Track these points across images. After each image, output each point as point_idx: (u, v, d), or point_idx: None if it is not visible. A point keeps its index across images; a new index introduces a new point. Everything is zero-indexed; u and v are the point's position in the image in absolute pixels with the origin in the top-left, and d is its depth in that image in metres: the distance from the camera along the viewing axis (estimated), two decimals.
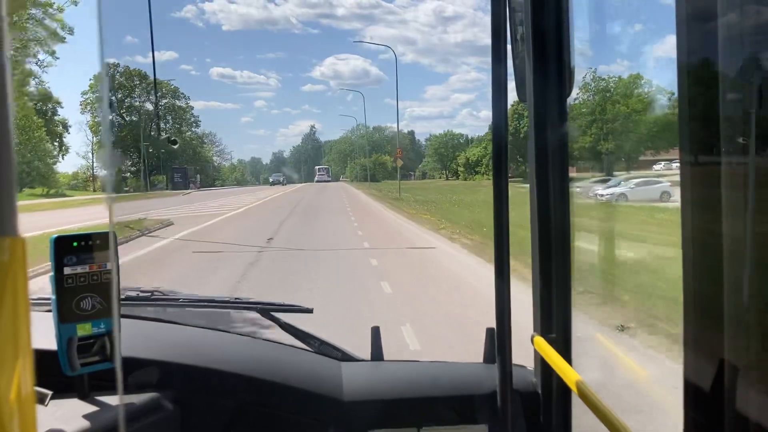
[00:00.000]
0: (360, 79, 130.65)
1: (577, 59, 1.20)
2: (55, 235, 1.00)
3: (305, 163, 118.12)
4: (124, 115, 65.05)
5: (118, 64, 63.17)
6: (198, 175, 44.63)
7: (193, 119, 68.88)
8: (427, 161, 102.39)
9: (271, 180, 71.89)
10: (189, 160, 65.44)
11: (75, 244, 1.01)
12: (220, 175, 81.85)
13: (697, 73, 0.71)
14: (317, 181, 76.71)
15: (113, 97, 62.78)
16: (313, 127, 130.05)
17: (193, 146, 68.71)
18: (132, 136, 63.11)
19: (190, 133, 69.78)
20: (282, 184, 65.27)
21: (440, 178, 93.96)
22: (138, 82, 64.26)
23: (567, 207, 1.23)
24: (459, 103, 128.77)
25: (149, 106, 66.44)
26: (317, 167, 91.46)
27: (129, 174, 63.46)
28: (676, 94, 0.72)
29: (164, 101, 66.68)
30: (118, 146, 61.99)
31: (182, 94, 68.23)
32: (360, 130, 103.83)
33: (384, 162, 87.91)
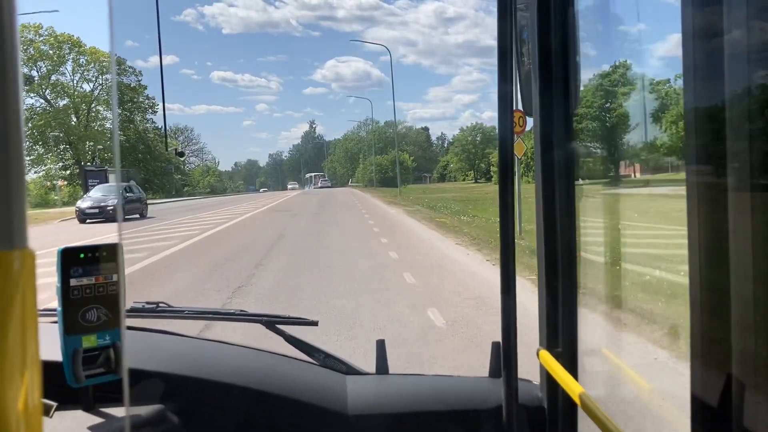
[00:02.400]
0: (362, 81, 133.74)
1: (583, 73, 1.21)
2: (62, 247, 1.02)
3: (305, 165, 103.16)
4: (50, 96, 47.27)
5: (41, 25, 45.54)
6: (131, 181, 26.50)
7: (148, 103, 50.94)
8: (449, 160, 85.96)
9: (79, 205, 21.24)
10: (141, 159, 47.67)
11: (81, 255, 1.02)
12: (189, 180, 63.33)
13: (704, 85, 0.73)
14: (321, 187, 67.49)
15: (33, 72, 45.42)
16: (313, 123, 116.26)
17: (148, 141, 50.70)
18: (60, 126, 45.53)
19: (146, 123, 51.85)
20: (135, 211, 22.44)
21: (462, 180, 78.09)
22: (69, 52, 46.63)
23: (573, 221, 1.25)
24: (461, 104, 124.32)
25: (86, 87, 48.67)
26: (311, 174, 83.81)
27: (60, 180, 46.08)
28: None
29: (104, 76, 48.50)
30: (39, 139, 44.56)
31: (131, 69, 50.49)
32: (370, 124, 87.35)
33: (403, 161, 70.43)
